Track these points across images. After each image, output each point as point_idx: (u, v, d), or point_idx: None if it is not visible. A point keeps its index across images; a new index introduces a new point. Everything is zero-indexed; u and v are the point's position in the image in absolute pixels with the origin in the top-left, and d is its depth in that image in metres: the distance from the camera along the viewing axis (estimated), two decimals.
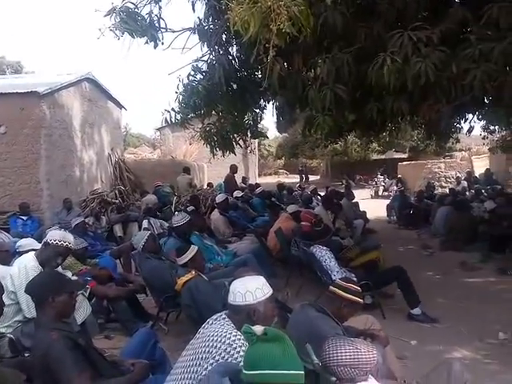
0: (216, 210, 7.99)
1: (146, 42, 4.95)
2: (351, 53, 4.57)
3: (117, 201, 11.07)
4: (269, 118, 10.23)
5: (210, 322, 2.16)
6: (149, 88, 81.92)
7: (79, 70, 12.52)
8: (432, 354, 3.85)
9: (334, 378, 2.07)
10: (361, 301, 2.84)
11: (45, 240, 3.74)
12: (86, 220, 7.90)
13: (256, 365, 1.53)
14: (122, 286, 4.68)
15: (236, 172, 11.95)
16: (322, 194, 11.68)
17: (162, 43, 5.14)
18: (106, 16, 4.58)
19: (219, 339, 1.96)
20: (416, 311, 4.64)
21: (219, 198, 8.18)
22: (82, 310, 3.59)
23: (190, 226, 5.32)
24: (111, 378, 2.39)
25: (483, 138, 14.18)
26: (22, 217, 8.80)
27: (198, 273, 3.73)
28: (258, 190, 10.60)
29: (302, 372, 1.56)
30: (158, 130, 21.72)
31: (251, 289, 2.08)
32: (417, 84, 4.07)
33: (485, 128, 12.36)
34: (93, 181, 12.20)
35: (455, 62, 4.04)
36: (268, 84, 4.49)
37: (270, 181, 24.66)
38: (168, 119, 6.40)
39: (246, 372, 1.56)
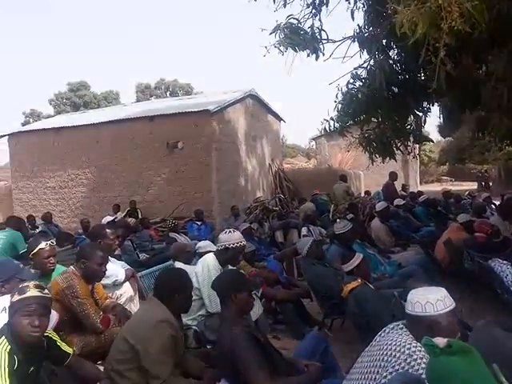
0: (376, 218, 7.80)
1: (308, 55, 5.12)
2: None
3: (277, 208, 11.59)
4: (429, 122, 9.61)
5: (387, 331, 2.13)
6: (301, 100, 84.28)
7: (243, 87, 13.56)
8: None
9: None
10: None
11: (224, 244, 4.05)
12: (251, 226, 8.45)
13: (444, 379, 1.46)
14: (287, 289, 4.88)
15: (396, 179, 11.50)
16: (497, 202, 10.46)
17: (323, 54, 5.27)
18: (271, 34, 4.88)
19: (398, 349, 1.92)
20: None
21: (379, 205, 7.98)
22: (256, 309, 3.84)
23: (352, 234, 5.29)
24: (286, 375, 2.52)
25: None
26: (197, 222, 9.84)
27: (364, 281, 3.70)
28: (421, 198, 10.03)
29: None
30: (313, 139, 22.15)
31: (432, 300, 2.00)
32: None
33: None
34: (255, 189, 13.02)
35: None
36: (436, 85, 4.26)
37: (432, 188, 22.97)
38: (327, 128, 6.49)
39: None
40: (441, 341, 1.54)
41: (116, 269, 4.24)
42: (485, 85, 4.44)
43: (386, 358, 1.95)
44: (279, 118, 15.30)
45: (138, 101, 30.03)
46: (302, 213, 9.93)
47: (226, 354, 2.53)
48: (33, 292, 2.31)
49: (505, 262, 4.53)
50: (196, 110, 11.03)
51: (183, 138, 10.98)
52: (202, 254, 4.78)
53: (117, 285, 4.17)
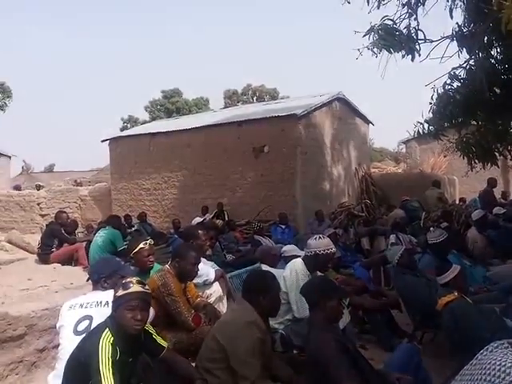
0: (472, 227, 7.30)
1: (403, 56, 4.96)
2: None
3: (363, 214, 11.30)
4: None
5: (490, 349, 1.98)
6: (390, 102, 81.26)
7: (330, 90, 13.40)
8: None
9: None
10: None
11: (314, 250, 4.01)
12: (336, 231, 8.31)
13: None
14: (375, 298, 4.74)
15: (495, 186, 10.66)
16: None
17: (419, 55, 5.08)
18: (364, 36, 4.80)
19: (503, 369, 1.78)
20: None
21: (476, 214, 7.45)
22: (344, 317, 3.78)
23: (448, 244, 5.00)
24: None
25: None
26: (281, 225, 9.91)
27: (461, 294, 3.48)
28: None
29: None
30: (403, 143, 21.29)
31: None
32: None
33: None
34: (340, 194, 12.79)
35: None
36: None
37: None
38: (420, 131, 6.23)
39: None
40: None
41: (207, 269, 4.39)
42: None
43: (488, 378, 1.81)
44: (367, 121, 14.89)
45: (225, 106, 30.92)
46: (391, 220, 9.57)
47: (314, 361, 2.52)
48: (136, 288, 2.47)
49: None
50: (283, 114, 11.13)
51: (270, 143, 11.12)
52: (287, 258, 4.82)
53: (207, 284, 4.32)
